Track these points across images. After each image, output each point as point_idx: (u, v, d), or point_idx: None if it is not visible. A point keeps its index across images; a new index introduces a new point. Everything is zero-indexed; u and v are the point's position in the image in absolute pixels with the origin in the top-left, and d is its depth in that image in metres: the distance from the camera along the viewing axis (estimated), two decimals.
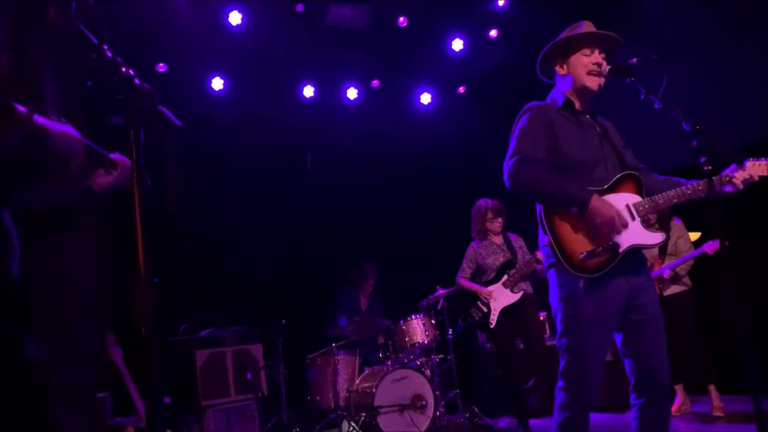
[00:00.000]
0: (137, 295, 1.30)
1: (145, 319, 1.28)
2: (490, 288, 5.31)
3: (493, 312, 5.26)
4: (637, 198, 2.64)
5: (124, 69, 1.36)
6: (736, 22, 5.70)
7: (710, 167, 2.22)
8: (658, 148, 5.39)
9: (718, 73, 5.89)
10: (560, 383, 2.63)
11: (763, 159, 2.61)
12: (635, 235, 2.57)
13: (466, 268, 5.55)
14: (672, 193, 2.63)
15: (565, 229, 2.60)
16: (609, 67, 2.66)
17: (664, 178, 2.80)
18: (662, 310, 5.45)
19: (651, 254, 5.58)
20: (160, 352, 1.29)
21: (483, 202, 5.54)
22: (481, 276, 5.46)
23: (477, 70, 7.35)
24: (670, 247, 5.53)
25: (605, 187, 2.63)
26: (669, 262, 5.44)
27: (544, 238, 2.67)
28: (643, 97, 2.42)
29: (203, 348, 5.31)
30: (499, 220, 5.47)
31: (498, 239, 5.51)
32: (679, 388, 5.57)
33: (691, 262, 5.41)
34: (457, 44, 7.21)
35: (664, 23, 6.01)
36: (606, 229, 2.52)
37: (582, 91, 2.76)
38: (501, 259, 5.38)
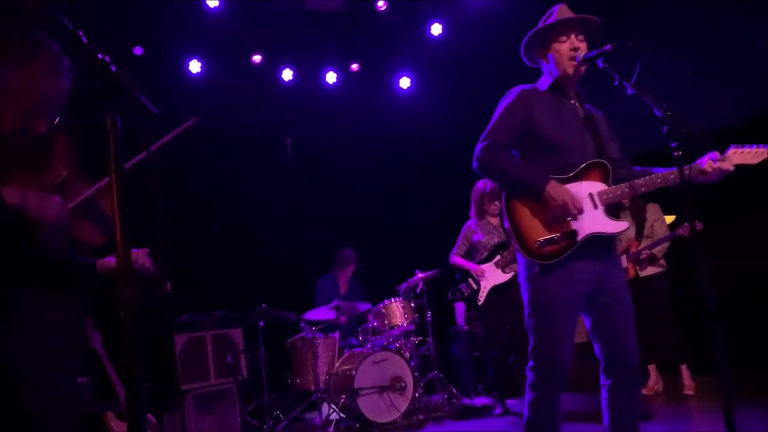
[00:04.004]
0: (117, 280, 1.31)
1: (126, 304, 1.29)
2: (483, 267, 5.43)
3: (482, 290, 5.40)
4: (602, 186, 2.65)
5: (100, 55, 1.35)
6: (719, 7, 5.73)
7: (680, 153, 2.25)
8: (640, 131, 5.46)
9: (699, 57, 5.94)
10: (530, 363, 2.68)
11: (745, 146, 2.56)
12: (596, 223, 2.59)
13: (461, 246, 5.67)
14: (640, 181, 2.64)
15: (525, 215, 2.63)
16: (583, 54, 2.67)
17: (642, 169, 2.79)
18: (638, 291, 5.60)
19: (627, 236, 5.68)
20: (140, 337, 1.30)
21: (482, 185, 5.62)
22: (475, 255, 5.58)
23: (456, 54, 7.35)
24: (646, 230, 5.65)
25: (571, 174, 2.65)
26: (645, 244, 5.55)
27: (506, 224, 2.72)
28: (616, 83, 2.44)
29: (182, 333, 5.31)
30: (496, 203, 5.55)
31: (495, 220, 5.62)
32: (652, 368, 5.71)
33: (667, 244, 5.53)
34: (436, 29, 7.20)
35: (649, 6, 6.02)
36: (560, 214, 2.55)
37: (564, 76, 2.77)
38: (495, 240, 5.49)
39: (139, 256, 2.09)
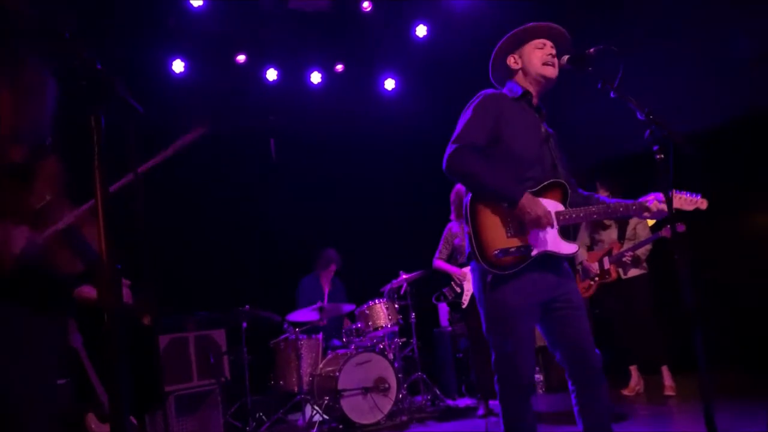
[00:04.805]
0: (100, 281, 1.30)
1: (109, 305, 1.28)
2: (464, 269, 5.43)
3: (465, 293, 5.39)
4: (560, 206, 2.67)
5: (85, 54, 1.34)
6: (703, 8, 5.78)
7: (662, 156, 2.28)
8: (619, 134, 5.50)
9: (684, 58, 6.00)
10: (495, 377, 2.66)
11: (684, 192, 2.68)
12: (550, 242, 2.60)
13: (443, 250, 5.66)
14: (593, 208, 2.70)
15: (487, 222, 2.61)
16: (568, 56, 2.69)
17: (588, 194, 2.85)
18: (620, 293, 5.64)
19: (610, 238, 5.74)
20: (123, 339, 1.29)
21: (462, 187, 5.61)
22: (457, 257, 5.58)
23: (441, 56, 7.37)
24: (628, 232, 5.70)
25: (534, 189, 2.65)
26: (628, 246, 5.60)
27: (465, 228, 2.67)
28: (600, 86, 2.46)
29: (165, 333, 5.27)
30: None
31: None
32: (633, 369, 5.76)
33: (649, 247, 5.58)
34: (421, 30, 7.21)
35: (634, 9, 6.07)
36: (532, 227, 2.56)
37: (538, 81, 2.77)
38: None
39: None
